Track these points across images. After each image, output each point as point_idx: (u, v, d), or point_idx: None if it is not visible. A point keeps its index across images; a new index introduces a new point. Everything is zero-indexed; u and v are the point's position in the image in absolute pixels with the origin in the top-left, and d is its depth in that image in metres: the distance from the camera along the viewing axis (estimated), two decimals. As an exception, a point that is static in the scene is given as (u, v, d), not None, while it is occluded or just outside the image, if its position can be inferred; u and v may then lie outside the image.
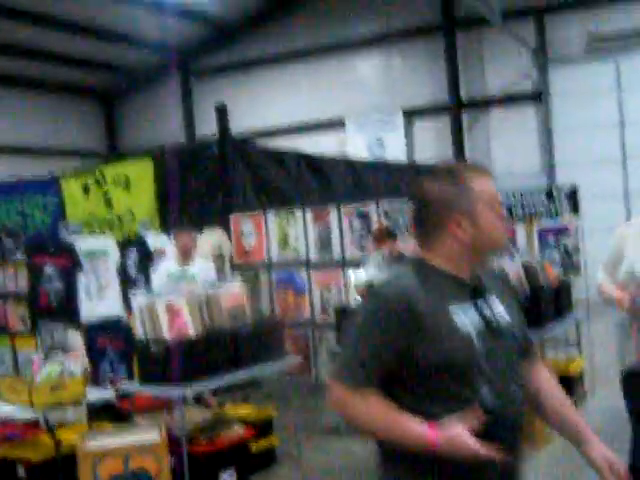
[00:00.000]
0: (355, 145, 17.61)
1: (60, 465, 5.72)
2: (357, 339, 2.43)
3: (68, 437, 5.99)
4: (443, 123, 17.19)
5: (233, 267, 9.91)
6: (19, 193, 11.53)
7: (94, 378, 6.97)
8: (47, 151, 17.91)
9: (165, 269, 7.57)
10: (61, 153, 17.99)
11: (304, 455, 6.85)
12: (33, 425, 6.41)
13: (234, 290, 6.77)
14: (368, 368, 2.39)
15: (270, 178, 10.69)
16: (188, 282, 7.00)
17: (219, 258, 9.61)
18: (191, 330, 6.24)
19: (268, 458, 6.61)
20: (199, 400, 7.35)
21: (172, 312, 6.19)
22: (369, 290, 2.68)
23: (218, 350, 6.20)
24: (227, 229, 10.08)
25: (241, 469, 6.13)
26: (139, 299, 6.33)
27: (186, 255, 7.47)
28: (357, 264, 8.08)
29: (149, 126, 19.70)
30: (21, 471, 6.23)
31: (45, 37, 16.55)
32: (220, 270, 9.43)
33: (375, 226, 8.72)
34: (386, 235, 7.81)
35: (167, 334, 6.10)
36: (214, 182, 10.47)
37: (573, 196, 9.07)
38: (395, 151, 17.41)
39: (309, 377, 9.37)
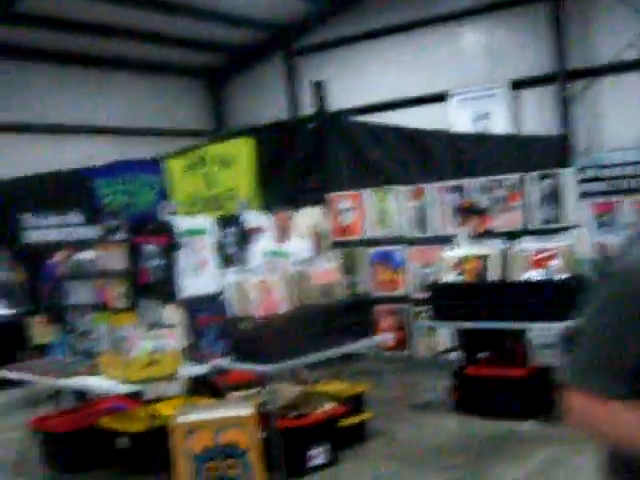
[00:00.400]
0: (458, 119, 17.34)
1: (155, 437, 5.90)
2: (596, 334, 1.91)
3: (165, 411, 6.17)
4: (550, 94, 16.76)
5: (330, 245, 9.97)
6: (126, 174, 11.87)
7: (193, 354, 7.14)
8: (156, 132, 18.31)
9: (261, 247, 7.69)
10: (170, 134, 18.35)
11: (396, 431, 6.88)
12: (135, 398, 6.63)
13: (327, 267, 6.83)
14: (618, 369, 1.87)
15: (368, 154, 10.65)
16: (283, 260, 7.08)
17: (316, 236, 9.68)
18: (282, 307, 6.35)
19: (359, 434, 6.65)
20: (294, 376, 7.46)
21: (264, 289, 6.30)
22: (600, 270, 2.01)
23: (309, 327, 6.28)
24: (325, 207, 10.13)
25: (331, 445, 6.19)
26: (231, 277, 6.45)
27: (283, 233, 7.56)
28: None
29: (254, 105, 19.88)
30: (120, 442, 6.48)
31: (152, 18, 16.90)
32: (317, 248, 9.51)
33: (462, 202, 8.62)
34: (471, 211, 7.77)
35: (258, 311, 6.22)
36: (312, 159, 10.53)
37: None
38: (500, 124, 17.07)
39: (405, 353, 9.37)
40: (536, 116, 17.03)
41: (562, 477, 5.66)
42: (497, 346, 7.56)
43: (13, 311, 11.05)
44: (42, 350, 8.07)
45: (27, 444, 6.89)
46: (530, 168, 9.19)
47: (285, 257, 7.23)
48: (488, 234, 7.66)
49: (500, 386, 6.96)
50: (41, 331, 9.45)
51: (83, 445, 6.62)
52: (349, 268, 9.87)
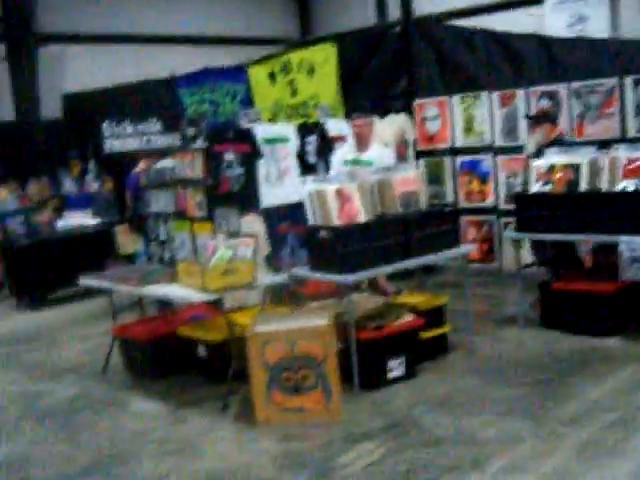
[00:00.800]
0: (553, 24, 16.54)
1: (233, 347, 5.88)
2: None
3: (243, 320, 6.14)
4: (653, -5, 15.80)
5: (415, 154, 9.69)
6: (210, 82, 11.76)
7: (273, 263, 7.08)
8: (241, 40, 18.05)
9: (341, 155, 7.50)
10: (253, 42, 18.05)
11: (477, 344, 6.72)
12: (215, 308, 6.62)
13: (409, 176, 6.60)
14: None
15: (456, 59, 10.22)
16: (363, 168, 6.87)
17: (401, 144, 9.43)
18: (361, 216, 6.18)
19: (439, 347, 6.51)
20: (374, 287, 7.34)
21: (342, 198, 6.14)
22: None
23: (389, 237, 6.11)
24: (410, 114, 9.83)
25: (410, 357, 6.07)
26: (309, 185, 6.30)
27: (362, 141, 7.34)
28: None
29: (339, 11, 19.36)
30: (201, 350, 6.51)
31: None
32: (401, 156, 9.26)
33: (537, 108, 8.25)
34: (543, 118, 7.45)
35: (337, 220, 6.07)
36: (398, 65, 10.19)
37: None
38: (598, 28, 16.21)
39: (492, 266, 9.14)
40: (637, 19, 16.10)
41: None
42: (580, 261, 7.31)
43: (102, 221, 11.19)
44: (129, 259, 8.15)
45: (111, 351, 7.00)
46: (630, 74, 8.66)
47: (366, 165, 7.03)
48: (559, 143, 7.33)
49: (587, 302, 6.69)
50: (126, 240, 9.56)
51: (163, 353, 6.68)
52: (435, 178, 9.61)
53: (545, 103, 8.48)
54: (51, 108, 15.26)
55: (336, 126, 8.63)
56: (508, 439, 4.88)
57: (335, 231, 5.95)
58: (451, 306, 6.82)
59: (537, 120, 7.83)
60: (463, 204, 9.42)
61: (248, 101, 10.96)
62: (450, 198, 9.51)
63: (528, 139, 8.30)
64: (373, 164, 6.96)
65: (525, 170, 7.35)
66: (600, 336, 6.58)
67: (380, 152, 7.36)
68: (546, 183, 6.85)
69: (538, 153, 7.24)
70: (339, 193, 6.10)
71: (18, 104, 15.13)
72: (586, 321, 6.70)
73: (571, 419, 5.10)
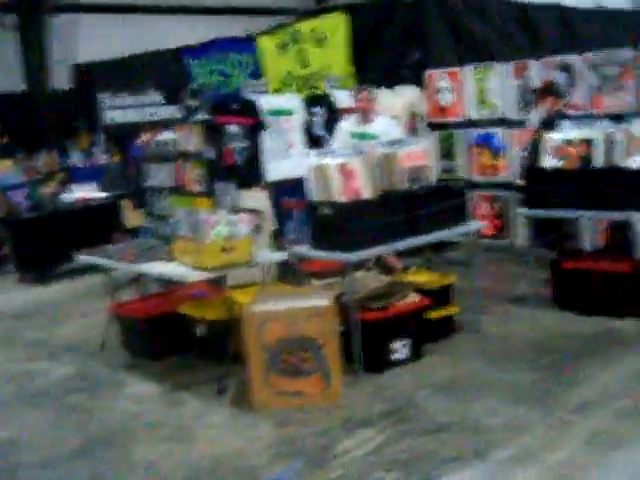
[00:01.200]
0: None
1: (232, 327, 5.67)
2: None
3: (243, 299, 5.92)
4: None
5: (427, 126, 9.40)
6: (220, 53, 11.52)
7: (277, 240, 6.86)
8: (250, 10, 17.75)
9: (346, 128, 7.25)
10: (263, 12, 17.73)
11: (485, 326, 6.48)
12: (216, 286, 6.42)
13: (417, 150, 6.33)
14: None
15: (469, 29, 9.92)
16: (369, 142, 6.62)
17: (412, 117, 9.14)
18: (366, 192, 5.93)
19: (446, 328, 6.27)
20: (382, 264, 7.11)
21: (346, 173, 5.89)
22: None
23: (394, 213, 5.86)
24: (422, 85, 9.52)
25: (416, 338, 5.85)
26: (312, 159, 6.05)
27: (366, 115, 7.09)
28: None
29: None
30: (200, 330, 6.31)
31: None
32: (412, 129, 9.00)
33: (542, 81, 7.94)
34: (547, 91, 7.17)
35: (340, 196, 5.83)
36: (409, 35, 9.88)
37: None
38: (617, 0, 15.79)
39: (505, 242, 8.87)
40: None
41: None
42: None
43: (109, 194, 11.01)
44: (134, 233, 7.98)
45: (108, 329, 6.82)
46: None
47: (371, 139, 6.77)
48: (562, 116, 7.06)
49: (600, 281, 6.42)
50: (132, 214, 9.39)
51: (161, 331, 6.48)
52: (447, 152, 9.34)
53: (552, 75, 8.14)
54: (62, 79, 15.10)
55: (345, 97, 8.39)
56: (514, 427, 4.66)
57: (337, 207, 5.71)
58: (461, 284, 6.59)
59: (541, 93, 7.54)
60: (476, 178, 9.13)
61: (258, 72, 10.71)
62: (463, 173, 9.24)
63: (531, 112, 8.01)
64: (379, 137, 6.70)
65: (529, 143, 7.09)
66: (614, 317, 6.32)
67: (386, 125, 7.11)
68: (560, 158, 6.58)
69: (545, 126, 6.96)
70: (342, 168, 5.86)
71: (28, 75, 14.96)
72: (601, 301, 6.44)
73: (581, 406, 4.88)
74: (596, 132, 6.44)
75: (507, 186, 8.84)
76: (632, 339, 5.97)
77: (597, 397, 4.98)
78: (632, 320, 6.29)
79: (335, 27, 10.21)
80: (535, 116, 7.58)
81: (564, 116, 7.13)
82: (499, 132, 8.88)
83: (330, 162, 5.90)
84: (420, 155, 6.28)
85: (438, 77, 9.39)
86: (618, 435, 4.44)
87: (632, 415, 4.68)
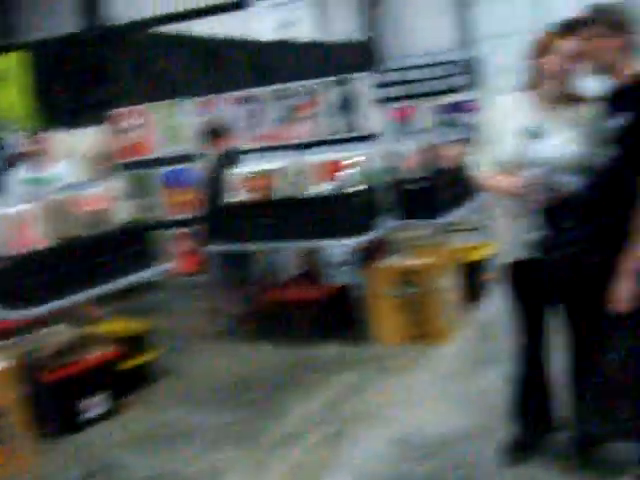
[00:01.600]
0: (261, 27, 16.50)
1: None
2: None
3: None
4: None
5: (115, 167, 9.07)
6: None
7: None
8: None
9: (18, 175, 6.79)
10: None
11: (188, 367, 6.28)
12: None
13: (98, 193, 6.00)
14: None
15: (155, 65, 9.78)
16: (44, 187, 6.22)
17: (97, 158, 8.79)
18: (42, 241, 5.50)
19: (143, 376, 5.94)
20: (78, 316, 6.68)
21: (17, 223, 5.43)
22: None
23: (72, 262, 5.45)
24: (107, 125, 9.18)
25: (112, 392, 5.50)
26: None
27: (38, 158, 6.69)
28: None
29: (45, 15, 18.14)
30: None
31: None
32: (98, 171, 8.64)
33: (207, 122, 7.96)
34: (215, 134, 7.30)
35: (13, 248, 5.36)
36: (93, 72, 9.55)
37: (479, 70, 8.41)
38: (306, 31, 16.33)
39: (205, 278, 8.73)
40: (345, 20, 16.50)
41: (361, 403, 5.24)
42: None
43: None
44: None
45: None
46: (334, 75, 8.56)
47: (47, 184, 6.37)
48: (235, 152, 7.16)
49: (295, 310, 6.46)
50: None
51: None
52: (139, 191, 9.05)
53: (211, 118, 8.15)
54: None
55: (26, 141, 7.88)
56: (214, 473, 4.47)
57: (10, 261, 5.24)
58: (162, 326, 6.35)
59: (209, 135, 7.53)
60: (172, 216, 8.93)
61: None
62: (160, 211, 9.00)
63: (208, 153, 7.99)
64: (56, 182, 6.33)
65: (207, 181, 7.11)
66: (314, 344, 6.37)
67: (63, 168, 6.74)
68: (248, 191, 6.54)
69: (224, 163, 6.95)
70: (12, 217, 5.39)
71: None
72: (299, 330, 6.46)
73: (281, 440, 4.79)
74: (280, 162, 6.48)
75: (200, 222, 8.72)
76: (330, 365, 6.01)
77: (297, 428, 4.93)
78: (333, 345, 6.36)
79: (12, 65, 9.67)
80: (213, 156, 7.53)
81: (244, 151, 7.14)
82: (188, 168, 8.74)
83: (4, 212, 5.41)
84: (101, 198, 5.96)
85: (125, 115, 9.11)
86: (320, 464, 4.39)
87: (332, 442, 4.66)
